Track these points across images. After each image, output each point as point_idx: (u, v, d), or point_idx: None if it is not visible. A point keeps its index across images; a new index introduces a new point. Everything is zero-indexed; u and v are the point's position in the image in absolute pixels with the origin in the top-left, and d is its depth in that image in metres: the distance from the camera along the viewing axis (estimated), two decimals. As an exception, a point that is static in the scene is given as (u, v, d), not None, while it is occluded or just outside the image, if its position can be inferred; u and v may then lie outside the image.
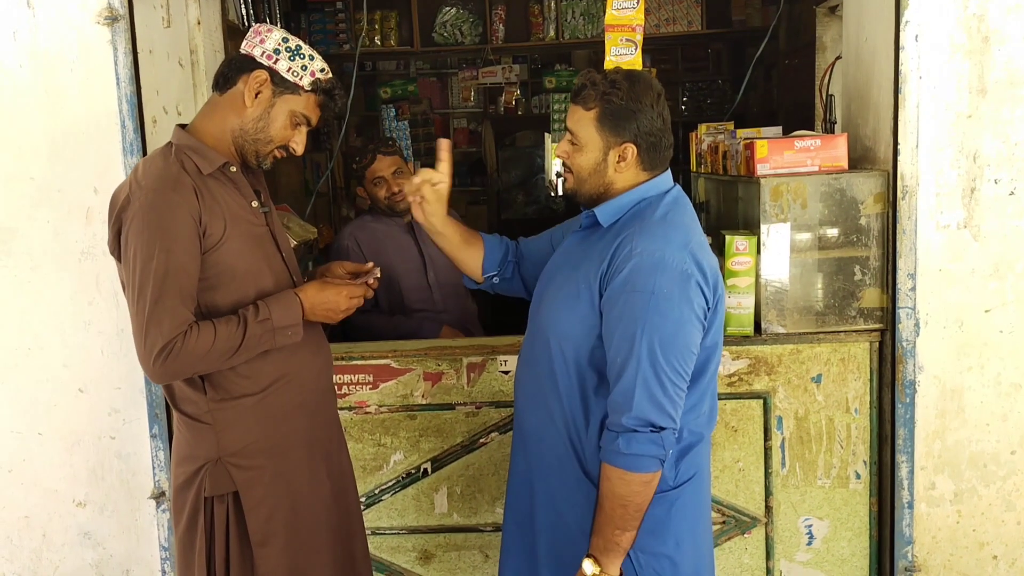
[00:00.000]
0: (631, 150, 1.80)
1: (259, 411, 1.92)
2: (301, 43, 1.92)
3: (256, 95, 1.89)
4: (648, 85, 1.81)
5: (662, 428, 1.68)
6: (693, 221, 1.84)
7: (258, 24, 2.00)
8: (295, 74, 1.89)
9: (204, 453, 1.90)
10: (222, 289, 1.87)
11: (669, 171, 1.88)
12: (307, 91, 1.91)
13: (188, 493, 1.93)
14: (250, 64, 1.89)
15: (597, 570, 1.72)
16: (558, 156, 1.90)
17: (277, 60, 1.88)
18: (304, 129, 1.96)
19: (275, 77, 1.89)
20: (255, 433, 1.92)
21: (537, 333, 1.89)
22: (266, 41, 1.90)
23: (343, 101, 1.98)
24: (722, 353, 2.48)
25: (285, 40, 1.90)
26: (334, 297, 1.94)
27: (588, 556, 1.74)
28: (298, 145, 1.96)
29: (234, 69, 1.91)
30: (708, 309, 1.75)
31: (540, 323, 1.88)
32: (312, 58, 1.91)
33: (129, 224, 1.80)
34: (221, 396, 1.89)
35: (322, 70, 1.92)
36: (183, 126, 1.96)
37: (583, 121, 1.81)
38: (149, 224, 1.77)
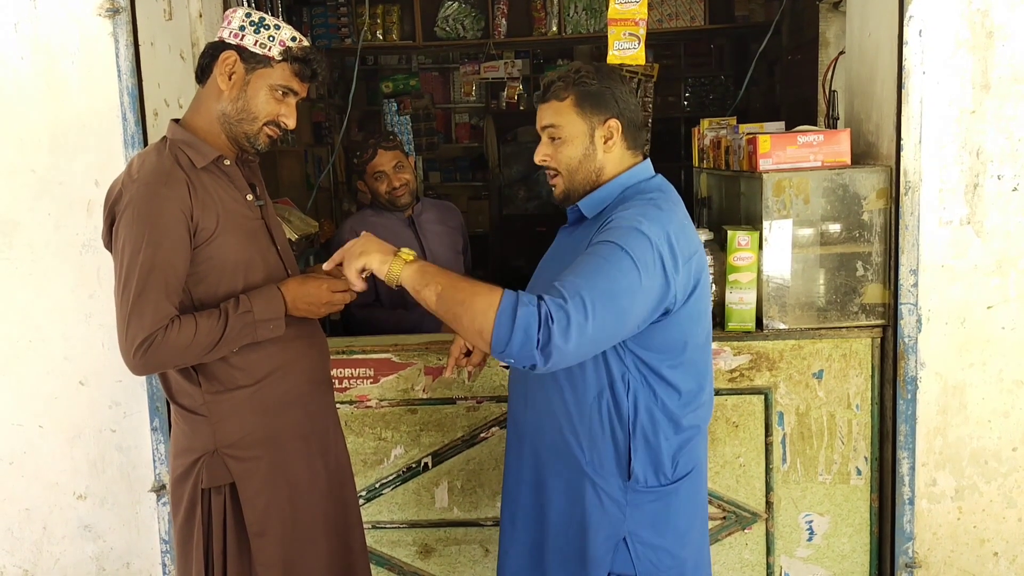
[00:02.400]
0: (616, 126, 1.81)
1: (254, 402, 1.93)
2: (265, 15, 1.90)
3: (230, 76, 1.89)
4: (613, 70, 1.85)
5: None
6: (676, 206, 1.82)
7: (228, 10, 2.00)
8: (263, 46, 1.87)
9: (201, 445, 1.91)
10: (214, 282, 1.87)
11: (649, 160, 1.88)
12: (279, 61, 1.89)
13: (186, 485, 1.94)
14: (220, 48, 1.89)
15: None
16: (539, 163, 1.86)
17: (243, 36, 1.87)
18: (291, 100, 1.94)
19: (244, 54, 1.88)
20: (250, 424, 1.92)
21: None
22: (231, 21, 1.89)
23: (322, 66, 1.95)
24: (723, 348, 2.51)
25: (248, 15, 1.89)
26: (315, 291, 1.93)
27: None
28: (288, 118, 1.94)
29: (207, 57, 1.91)
30: (668, 287, 1.70)
31: None
32: (279, 27, 1.89)
33: (120, 217, 1.81)
34: (216, 388, 1.90)
35: (292, 38, 1.90)
36: (177, 121, 1.96)
37: (561, 111, 1.81)
38: (139, 217, 1.78)
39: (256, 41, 1.87)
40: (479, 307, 1.59)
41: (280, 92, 1.91)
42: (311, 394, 2.03)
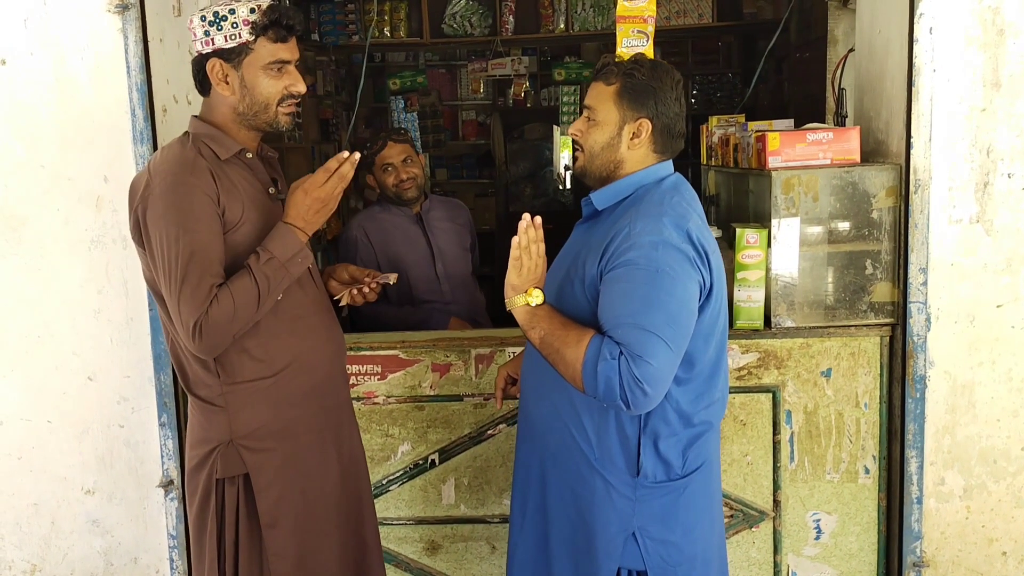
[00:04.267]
0: (646, 127, 1.82)
1: (271, 394, 1.94)
2: (217, 8, 1.88)
3: (226, 81, 1.90)
4: (669, 71, 1.86)
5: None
6: (690, 205, 1.84)
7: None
8: (234, 37, 1.86)
9: (216, 435, 1.93)
10: (233, 271, 1.87)
11: (671, 161, 1.90)
12: (255, 40, 1.88)
13: (201, 475, 1.96)
14: (202, 61, 1.91)
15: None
16: (571, 134, 1.91)
17: (213, 39, 1.87)
18: (289, 68, 1.93)
19: (223, 54, 1.88)
20: (266, 416, 1.93)
21: None
22: (195, 32, 1.89)
23: (291, 16, 1.90)
24: (731, 346, 2.51)
25: (203, 18, 1.88)
26: (313, 193, 1.88)
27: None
28: (295, 86, 1.93)
29: (198, 74, 1.94)
30: (703, 283, 1.77)
31: None
32: (233, 11, 1.87)
33: (150, 209, 1.82)
34: (233, 379, 1.91)
35: (251, 10, 1.87)
36: (197, 117, 1.98)
37: (603, 95, 1.85)
38: (169, 207, 1.80)
39: (225, 36, 1.87)
40: (568, 359, 1.72)
41: (274, 68, 1.90)
42: (327, 388, 2.04)
